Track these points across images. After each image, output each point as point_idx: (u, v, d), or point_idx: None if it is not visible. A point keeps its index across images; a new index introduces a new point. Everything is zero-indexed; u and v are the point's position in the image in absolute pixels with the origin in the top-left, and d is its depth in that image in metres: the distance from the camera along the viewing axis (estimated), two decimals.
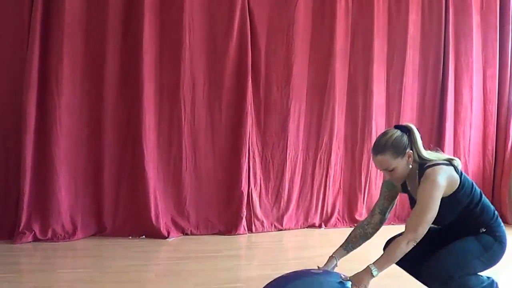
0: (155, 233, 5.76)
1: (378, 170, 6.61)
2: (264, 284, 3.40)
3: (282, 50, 6.30)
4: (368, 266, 3.07)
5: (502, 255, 3.42)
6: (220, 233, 6.08)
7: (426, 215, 3.15)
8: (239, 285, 4.39)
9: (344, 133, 6.66)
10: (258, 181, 6.28)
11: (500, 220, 3.44)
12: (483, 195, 3.44)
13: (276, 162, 6.34)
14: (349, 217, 6.67)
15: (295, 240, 6.01)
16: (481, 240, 3.34)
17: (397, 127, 3.42)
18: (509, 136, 7.15)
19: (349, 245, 3.54)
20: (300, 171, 6.47)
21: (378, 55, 6.70)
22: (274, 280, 3.40)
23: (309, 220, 6.52)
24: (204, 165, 6.08)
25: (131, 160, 5.82)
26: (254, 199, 6.22)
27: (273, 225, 6.32)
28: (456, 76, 7.04)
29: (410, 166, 3.33)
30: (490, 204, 3.46)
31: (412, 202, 3.46)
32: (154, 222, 5.77)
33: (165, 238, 5.75)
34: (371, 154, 3.37)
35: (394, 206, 3.61)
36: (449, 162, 3.36)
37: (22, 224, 5.36)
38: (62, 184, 5.55)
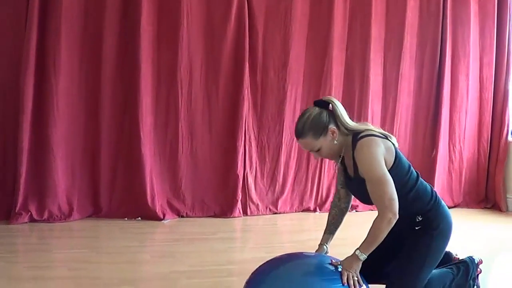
0: (150, 215, 5.80)
1: None
2: (257, 266, 3.44)
3: (280, 34, 6.30)
4: (354, 251, 3.05)
5: (445, 243, 3.35)
6: (216, 215, 6.11)
7: (385, 189, 3.01)
8: (233, 267, 4.43)
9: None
10: (254, 165, 6.31)
11: (440, 201, 3.33)
12: (420, 178, 3.33)
13: (272, 146, 6.36)
14: None
15: (290, 224, 6.05)
16: (419, 248, 3.25)
17: (316, 103, 3.29)
18: (505, 124, 7.17)
19: (331, 227, 3.54)
20: (296, 155, 6.50)
21: (375, 40, 6.70)
22: (267, 261, 3.43)
23: (304, 204, 6.55)
24: (200, 148, 6.10)
25: (128, 142, 5.84)
26: (249, 182, 6.25)
27: (268, 208, 6.36)
28: (453, 63, 7.05)
29: (335, 142, 3.20)
30: (427, 185, 3.35)
31: (345, 176, 3.37)
32: (150, 204, 5.81)
33: (161, 220, 5.79)
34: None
35: None
36: (384, 136, 3.22)
37: (18, 205, 5.39)
38: (59, 166, 5.56)
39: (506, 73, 7.19)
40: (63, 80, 5.52)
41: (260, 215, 6.27)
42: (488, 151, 7.28)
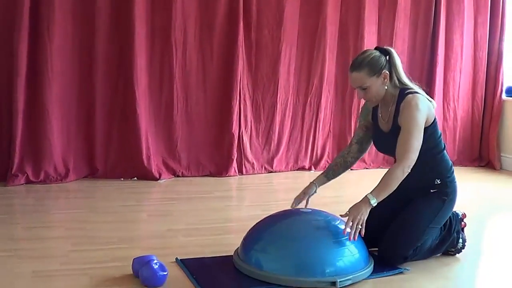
0: (146, 175, 5.82)
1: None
2: (254, 224, 3.47)
3: None
4: (366, 195, 3.15)
5: (450, 212, 3.53)
6: (211, 174, 6.14)
7: (414, 141, 3.20)
8: (230, 225, 4.47)
9: (334, 77, 6.65)
10: (249, 124, 6.32)
11: (455, 176, 3.53)
12: (445, 149, 3.55)
13: (267, 105, 6.36)
14: None
15: (285, 182, 6.08)
16: (431, 206, 3.41)
17: (377, 48, 3.44)
18: (499, 83, 7.16)
19: (330, 172, 3.65)
20: (291, 114, 6.50)
21: None
22: (263, 219, 3.47)
23: (299, 162, 6.58)
24: (195, 107, 6.10)
25: (123, 102, 5.83)
26: (244, 141, 6.26)
27: (263, 167, 6.39)
28: (447, 22, 7.00)
29: (386, 88, 3.36)
30: (449, 158, 3.56)
31: (377, 131, 3.52)
32: (145, 164, 5.82)
33: (157, 179, 5.81)
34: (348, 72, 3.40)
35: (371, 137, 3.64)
36: (428, 98, 3.42)
37: (14, 167, 5.40)
38: (54, 127, 5.56)
39: (500, 32, 7.16)
40: (57, 42, 5.48)
41: (255, 174, 6.30)
42: (482, 110, 7.28)
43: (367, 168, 6.70)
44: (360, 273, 3.15)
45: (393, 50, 3.40)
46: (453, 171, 3.53)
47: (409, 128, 3.21)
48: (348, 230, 3.09)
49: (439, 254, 3.63)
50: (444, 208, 3.44)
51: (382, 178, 3.19)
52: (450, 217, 3.60)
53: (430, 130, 3.37)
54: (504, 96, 7.20)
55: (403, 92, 3.35)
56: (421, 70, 7.02)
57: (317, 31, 6.45)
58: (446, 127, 7.13)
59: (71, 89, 5.66)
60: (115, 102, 5.83)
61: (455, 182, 3.52)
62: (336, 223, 3.31)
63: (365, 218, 3.13)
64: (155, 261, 3.07)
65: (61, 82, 5.56)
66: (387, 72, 3.33)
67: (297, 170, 6.54)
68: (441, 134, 3.52)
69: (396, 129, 3.32)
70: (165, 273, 3.05)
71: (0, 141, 5.53)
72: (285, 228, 3.22)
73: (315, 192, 3.59)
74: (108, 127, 5.84)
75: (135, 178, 5.84)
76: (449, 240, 3.58)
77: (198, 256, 3.51)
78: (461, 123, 7.22)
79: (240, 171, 6.27)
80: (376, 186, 3.19)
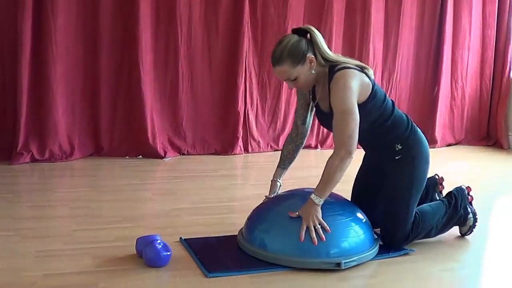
0: (151, 153, 5.81)
1: None
2: (259, 203, 3.45)
3: None
4: (309, 197, 3.05)
5: (427, 168, 3.37)
6: (217, 153, 6.12)
7: (347, 127, 3.00)
8: (234, 204, 4.45)
9: (341, 53, 6.57)
10: (255, 102, 6.28)
11: (416, 128, 3.35)
12: (395, 107, 3.32)
13: (273, 83, 6.31)
14: None
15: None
16: (403, 176, 3.29)
17: (294, 31, 3.21)
18: (507, 62, 7.09)
19: (286, 162, 3.56)
20: None
21: None
22: (268, 200, 3.45)
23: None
24: (200, 85, 6.06)
25: (128, 80, 5.80)
26: (250, 119, 6.23)
27: (269, 145, 6.36)
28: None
29: (313, 72, 3.14)
30: (402, 114, 3.36)
31: (318, 110, 3.34)
32: (151, 142, 5.81)
33: (162, 158, 5.79)
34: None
35: (313, 113, 3.46)
36: (361, 69, 3.17)
37: (19, 145, 5.38)
38: (59, 105, 5.54)
39: (509, 10, 7.08)
40: (61, 19, 5.44)
41: (261, 152, 6.28)
42: (491, 89, 7.23)
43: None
44: (365, 254, 3.13)
45: (312, 28, 3.17)
46: (410, 126, 3.32)
47: (340, 112, 3.02)
48: (303, 237, 3.01)
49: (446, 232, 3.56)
50: (418, 170, 3.31)
51: (322, 173, 3.05)
52: (454, 193, 3.55)
53: (370, 103, 3.14)
54: None
55: (333, 69, 3.11)
56: (429, 48, 6.96)
57: (324, 7, 6.38)
58: (454, 106, 7.09)
59: (75, 66, 5.63)
60: (120, 79, 5.79)
61: (418, 135, 3.34)
62: (342, 203, 3.29)
63: (320, 217, 3.04)
64: (159, 241, 3.05)
65: (65, 60, 5.53)
66: (312, 55, 3.12)
67: (303, 148, 6.48)
68: (385, 96, 3.27)
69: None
70: (169, 253, 3.03)
71: (5, 119, 5.50)
72: (289, 209, 3.18)
73: (280, 185, 3.53)
74: (113, 104, 5.82)
75: (140, 156, 5.82)
76: (456, 217, 3.50)
77: (202, 236, 3.50)
78: (469, 101, 7.17)
79: (246, 150, 6.25)
80: (319, 184, 3.06)
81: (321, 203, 3.05)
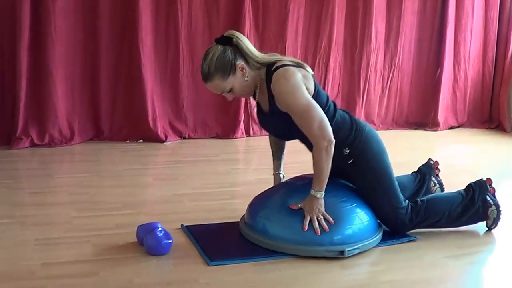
0: (152, 137, 5.76)
1: (377, 74, 6.59)
2: (261, 188, 3.42)
3: None
4: (310, 193, 3.03)
5: (386, 155, 3.31)
6: (218, 136, 6.09)
7: (314, 120, 2.95)
8: (236, 189, 4.43)
9: (343, 37, 6.53)
10: None
11: (362, 127, 3.25)
12: (338, 108, 3.22)
13: None
14: None
15: (293, 144, 5.94)
16: (365, 175, 3.24)
17: (217, 41, 3.07)
18: (510, 44, 7.01)
19: (278, 153, 3.55)
20: None
21: None
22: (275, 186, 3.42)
23: None
24: None
25: (128, 64, 5.74)
26: (252, 102, 6.17)
27: None
28: None
29: (246, 79, 3.05)
30: (345, 115, 3.25)
31: (258, 110, 3.26)
32: (151, 126, 5.76)
33: (163, 142, 5.76)
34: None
35: None
36: (298, 65, 3.09)
37: (19, 130, 5.34)
38: (59, 89, 5.48)
39: None
40: (60, 2, 5.36)
41: (263, 135, 6.21)
42: (493, 71, 7.19)
43: (377, 130, 6.61)
44: (369, 242, 3.11)
45: (235, 33, 3.08)
46: (355, 127, 3.21)
47: (297, 109, 2.96)
48: (306, 227, 3.00)
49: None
50: (376, 164, 3.24)
51: (313, 169, 3.02)
52: (472, 185, 3.46)
53: (315, 100, 3.03)
54: None
55: (269, 70, 3.04)
56: (432, 30, 6.90)
57: None
58: (457, 89, 7.04)
59: (75, 50, 5.57)
60: (120, 63, 5.74)
61: (365, 134, 3.23)
62: (344, 190, 3.25)
63: (323, 209, 3.02)
64: (160, 229, 3.02)
65: (65, 44, 5.47)
66: (242, 62, 3.02)
67: None
68: (328, 98, 3.17)
69: (274, 112, 3.07)
70: (170, 241, 3.00)
71: (4, 104, 5.46)
72: (291, 196, 3.15)
73: (283, 176, 3.51)
74: (113, 88, 5.77)
75: (141, 140, 5.78)
76: (472, 209, 3.40)
77: (204, 223, 3.47)
78: (472, 84, 7.12)
79: (248, 133, 6.21)
80: (314, 179, 3.03)
81: (322, 195, 3.03)
